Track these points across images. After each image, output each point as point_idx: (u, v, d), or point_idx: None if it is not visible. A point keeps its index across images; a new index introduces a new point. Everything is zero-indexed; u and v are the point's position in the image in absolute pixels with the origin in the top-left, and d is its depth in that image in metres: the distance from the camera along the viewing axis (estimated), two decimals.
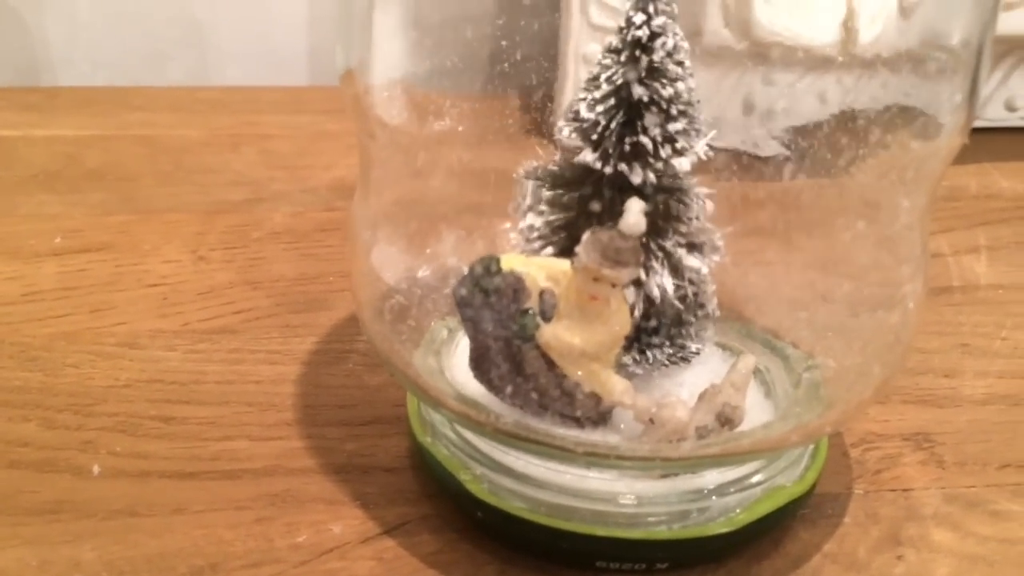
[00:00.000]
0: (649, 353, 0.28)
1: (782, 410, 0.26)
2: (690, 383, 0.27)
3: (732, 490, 0.25)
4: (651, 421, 0.25)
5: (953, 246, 0.43)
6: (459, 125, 0.27)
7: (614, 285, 0.24)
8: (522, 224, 0.27)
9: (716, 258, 0.27)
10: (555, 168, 0.27)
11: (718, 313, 0.28)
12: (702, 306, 0.28)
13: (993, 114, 0.55)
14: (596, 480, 0.25)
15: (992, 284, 0.40)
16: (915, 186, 0.27)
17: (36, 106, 0.56)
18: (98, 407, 0.30)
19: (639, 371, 0.27)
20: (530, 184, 0.27)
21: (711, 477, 0.25)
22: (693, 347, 0.28)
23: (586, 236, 0.23)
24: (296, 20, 0.67)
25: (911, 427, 0.31)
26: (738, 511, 0.25)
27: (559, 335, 0.24)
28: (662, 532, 0.24)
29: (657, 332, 0.27)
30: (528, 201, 0.27)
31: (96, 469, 0.28)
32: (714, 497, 0.25)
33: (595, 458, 0.23)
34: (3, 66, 0.64)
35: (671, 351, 0.28)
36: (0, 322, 0.35)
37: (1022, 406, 0.32)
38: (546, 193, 0.26)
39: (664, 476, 0.25)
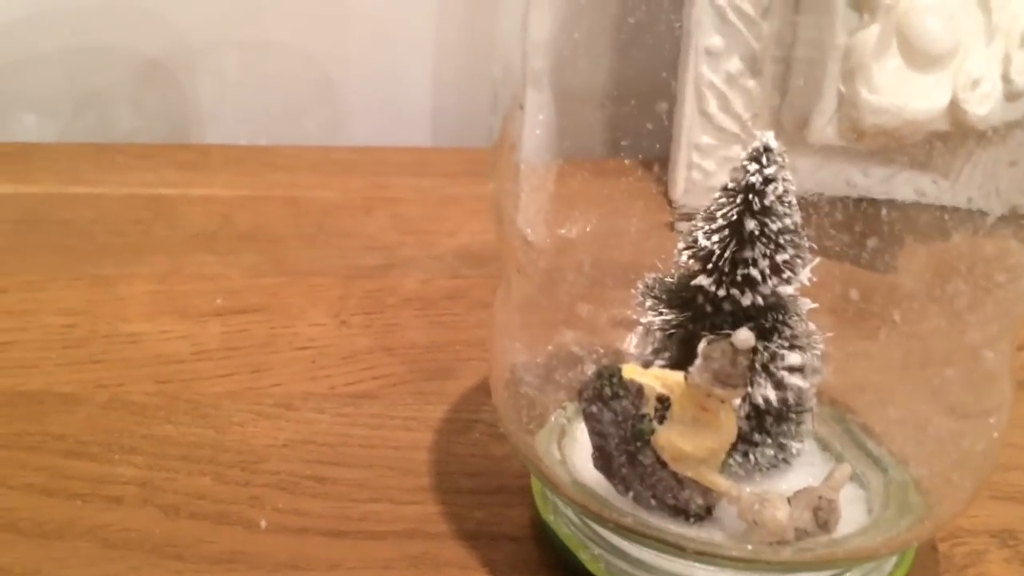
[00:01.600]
0: (751, 455, 0.31)
1: (875, 515, 0.29)
2: (793, 484, 0.30)
3: None
4: (754, 522, 0.28)
5: None
6: (589, 224, 0.31)
7: (723, 401, 0.27)
8: (640, 337, 0.30)
9: (818, 377, 0.30)
10: (671, 285, 0.30)
11: (816, 408, 0.31)
12: (802, 404, 0.31)
13: None
14: (703, 571, 0.28)
15: None
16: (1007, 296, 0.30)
17: (191, 164, 0.62)
18: (262, 464, 0.35)
19: (742, 472, 0.30)
20: (648, 300, 0.30)
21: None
22: (795, 448, 0.31)
23: (699, 358, 0.27)
24: (421, 81, 0.72)
25: (998, 524, 0.33)
26: None
27: (672, 440, 0.28)
28: None
29: (760, 434, 0.31)
30: (646, 317, 0.30)
31: (263, 524, 0.32)
32: None
33: (704, 556, 0.26)
34: (159, 121, 0.71)
35: (772, 452, 0.31)
36: (175, 379, 0.40)
37: None
38: (662, 310, 0.30)
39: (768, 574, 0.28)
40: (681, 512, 0.29)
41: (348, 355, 0.42)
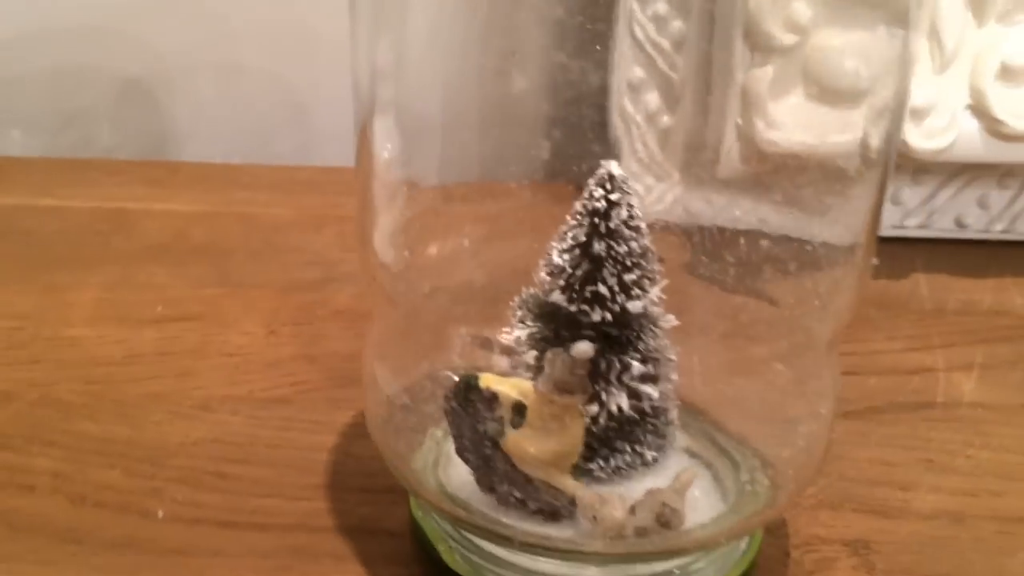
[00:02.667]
0: (611, 460, 0.33)
1: (726, 507, 0.31)
2: (649, 486, 0.32)
3: None
4: (593, 519, 0.30)
5: (949, 362, 0.46)
6: (455, 252, 0.33)
7: (568, 407, 0.29)
8: (512, 356, 0.33)
9: (670, 385, 0.32)
10: (537, 303, 0.32)
11: (677, 422, 0.33)
12: (660, 417, 0.33)
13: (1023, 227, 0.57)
14: (545, 563, 0.30)
15: (974, 402, 0.43)
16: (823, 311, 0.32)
17: (159, 181, 0.65)
18: (170, 460, 0.37)
19: (603, 475, 0.32)
20: (517, 315, 0.32)
21: (642, 569, 0.30)
22: (650, 455, 0.33)
23: (544, 370, 0.29)
24: None
25: (855, 534, 0.35)
26: None
27: (519, 443, 0.30)
28: None
29: (617, 439, 0.33)
30: (515, 334, 0.32)
31: (160, 513, 0.35)
32: None
33: (529, 547, 0.29)
34: (137, 140, 0.74)
35: (630, 459, 0.33)
36: (104, 380, 0.42)
37: (963, 523, 0.36)
38: (528, 324, 0.32)
39: (607, 564, 0.31)
40: (538, 512, 0.31)
41: (271, 362, 0.44)
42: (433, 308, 0.34)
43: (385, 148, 0.31)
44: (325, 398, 0.42)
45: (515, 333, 0.32)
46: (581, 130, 0.37)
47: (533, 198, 0.35)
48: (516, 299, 0.33)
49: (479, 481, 0.31)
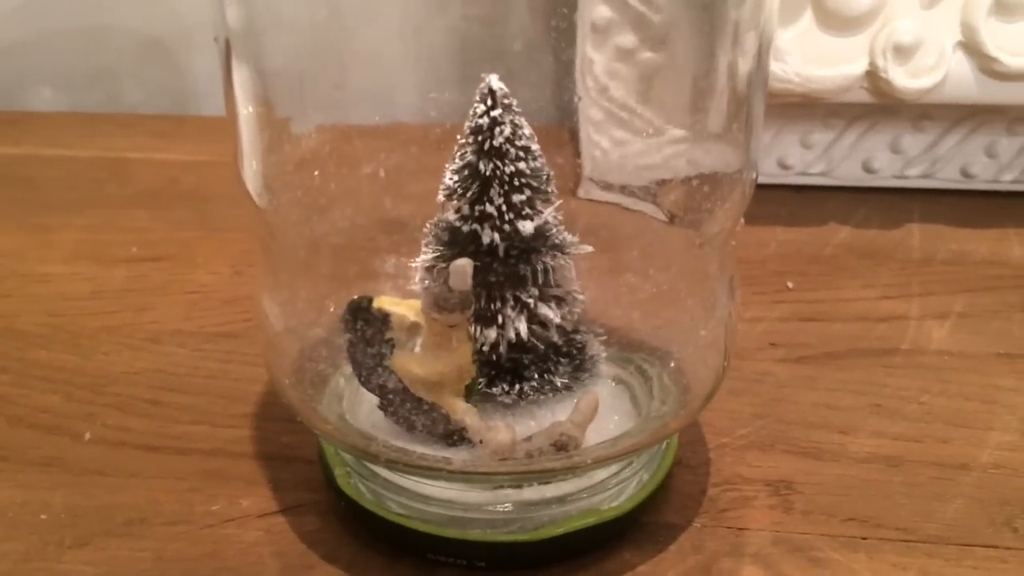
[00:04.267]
0: (518, 385, 0.32)
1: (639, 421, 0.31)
2: (560, 414, 0.32)
3: (551, 506, 0.30)
4: (480, 442, 0.30)
5: (924, 310, 0.44)
6: (331, 192, 0.33)
7: (450, 327, 0.29)
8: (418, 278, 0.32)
9: (577, 309, 0.31)
10: (440, 226, 0.32)
11: (603, 354, 0.33)
12: (579, 348, 0.32)
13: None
14: (433, 487, 0.30)
15: (941, 350, 0.41)
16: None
17: (164, 132, 0.66)
18: (109, 387, 0.38)
19: (507, 400, 0.32)
20: (423, 241, 0.32)
21: (529, 493, 0.30)
22: (559, 382, 0.32)
23: (425, 286, 0.29)
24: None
25: (779, 475, 0.34)
26: (548, 526, 0.29)
27: (405, 363, 0.29)
28: (477, 535, 0.29)
29: (522, 367, 0.32)
30: (421, 257, 0.32)
31: (87, 436, 0.36)
32: (531, 511, 0.29)
33: (397, 465, 0.28)
34: (160, 96, 0.76)
35: (537, 384, 0.32)
36: (67, 314, 0.44)
37: (899, 467, 0.34)
38: (432, 247, 0.32)
39: (494, 488, 0.30)
40: (434, 435, 0.30)
41: (229, 300, 0.45)
42: (325, 244, 0.34)
43: (246, 93, 0.31)
44: None
45: (420, 258, 0.32)
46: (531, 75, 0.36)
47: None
48: (428, 223, 0.33)
49: (383, 411, 0.31)
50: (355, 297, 0.30)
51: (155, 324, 0.43)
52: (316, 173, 0.33)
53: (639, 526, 0.31)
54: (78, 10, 0.75)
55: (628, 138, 0.37)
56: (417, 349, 0.30)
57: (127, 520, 0.32)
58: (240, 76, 0.30)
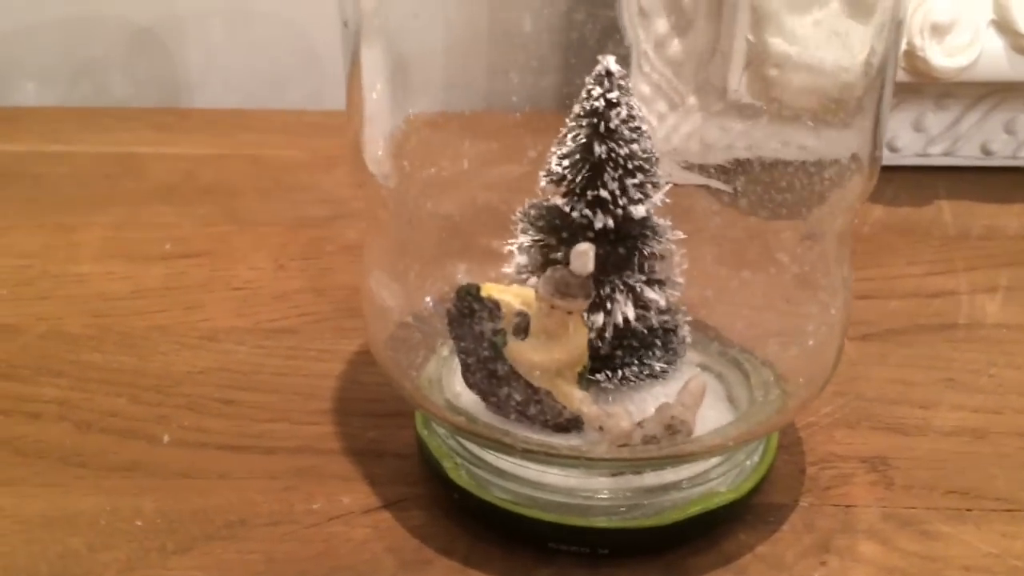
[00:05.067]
0: (619, 371, 0.32)
1: (737, 416, 0.31)
2: (660, 398, 0.32)
3: (672, 491, 0.29)
4: (600, 428, 0.29)
5: (972, 284, 0.45)
6: (452, 173, 0.33)
7: (569, 313, 0.28)
8: (513, 262, 0.32)
9: (676, 292, 0.31)
10: (541, 211, 0.31)
11: (690, 339, 0.33)
12: (671, 331, 0.32)
13: None
14: (553, 475, 0.29)
15: (998, 323, 0.42)
16: (820, 228, 0.31)
17: (169, 126, 0.64)
18: (176, 388, 0.37)
19: (610, 386, 0.32)
20: (520, 225, 0.31)
21: (651, 479, 0.29)
22: (658, 367, 0.32)
23: (545, 273, 0.28)
24: None
25: (872, 451, 0.34)
26: (670, 510, 0.29)
27: (523, 352, 0.29)
28: (601, 522, 0.29)
29: (625, 353, 0.32)
30: (518, 241, 0.32)
31: (166, 438, 0.34)
32: (653, 496, 0.29)
33: (531, 455, 0.28)
34: (150, 88, 0.74)
35: (637, 369, 0.32)
36: (110, 314, 0.42)
37: (986, 439, 0.35)
38: (531, 234, 0.31)
39: (614, 475, 0.30)
40: (545, 423, 0.30)
41: (279, 295, 0.44)
42: (434, 224, 0.34)
43: (374, 79, 0.30)
44: (332, 328, 0.41)
45: (518, 242, 0.32)
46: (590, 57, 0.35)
47: (536, 126, 0.34)
48: (519, 210, 0.32)
49: (485, 399, 0.30)
50: (464, 284, 0.29)
51: (208, 322, 0.42)
52: (430, 153, 0.33)
53: (749, 507, 0.31)
54: (61, 0, 0.73)
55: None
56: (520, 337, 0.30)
57: (226, 522, 0.31)
58: (370, 58, 0.29)
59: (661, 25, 0.45)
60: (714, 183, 0.35)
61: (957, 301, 0.43)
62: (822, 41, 0.45)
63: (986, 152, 0.56)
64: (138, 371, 0.38)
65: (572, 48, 0.34)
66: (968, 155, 0.56)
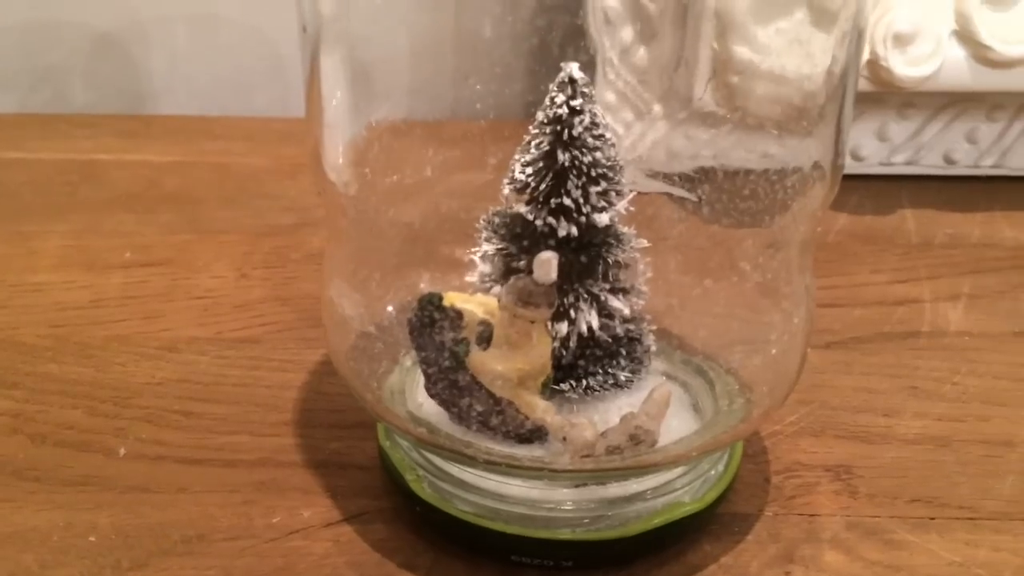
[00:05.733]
0: (584, 381, 0.32)
1: (702, 425, 0.30)
2: (624, 408, 0.31)
3: (636, 502, 0.29)
4: (564, 439, 0.29)
5: (935, 293, 0.45)
6: (415, 181, 0.32)
7: (533, 322, 0.28)
8: (477, 271, 0.31)
9: (641, 300, 0.31)
10: (505, 219, 0.31)
11: (655, 348, 0.32)
12: (635, 340, 0.32)
13: (1014, 163, 0.56)
14: (516, 487, 0.29)
15: (961, 331, 0.42)
16: (783, 236, 0.31)
17: (132, 133, 0.63)
18: (134, 400, 0.36)
19: (574, 396, 0.31)
20: (483, 234, 0.31)
21: (615, 489, 0.29)
22: (622, 376, 0.32)
23: (508, 282, 0.28)
24: None
25: (836, 460, 0.34)
26: (635, 521, 0.29)
27: (485, 361, 0.29)
28: (565, 534, 0.28)
29: (589, 362, 0.32)
30: (481, 250, 0.31)
31: (122, 451, 0.34)
32: (617, 507, 0.29)
33: (494, 466, 0.28)
34: (112, 95, 0.73)
35: (602, 379, 0.32)
36: (69, 324, 0.41)
37: (949, 447, 0.35)
38: (494, 242, 0.31)
39: (578, 486, 0.30)
40: (509, 434, 0.30)
41: (241, 304, 0.43)
42: (396, 232, 0.33)
43: (334, 85, 0.30)
44: (296, 337, 0.41)
45: (481, 250, 0.31)
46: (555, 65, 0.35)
47: (500, 134, 0.34)
48: (482, 218, 0.32)
49: (447, 409, 0.30)
50: (426, 293, 0.29)
51: (168, 332, 0.41)
52: (391, 161, 0.32)
53: (714, 517, 0.31)
54: (19, 4, 0.72)
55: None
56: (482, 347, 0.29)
57: (184, 538, 0.30)
58: (330, 64, 0.29)
59: (627, 33, 0.45)
60: (678, 191, 0.35)
61: (921, 309, 0.44)
62: (785, 49, 0.45)
63: (948, 161, 0.56)
64: (95, 382, 0.37)
65: (536, 55, 0.33)
66: (931, 164, 0.56)
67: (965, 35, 0.48)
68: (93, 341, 0.40)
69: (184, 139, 0.62)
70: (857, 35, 0.29)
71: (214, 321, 0.42)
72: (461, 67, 0.34)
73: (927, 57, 0.48)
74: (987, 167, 0.56)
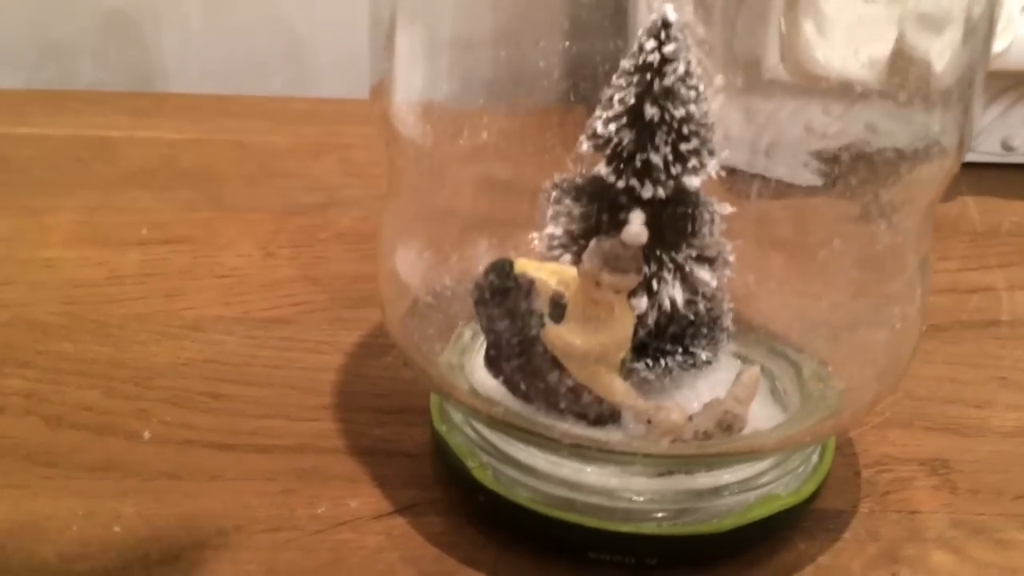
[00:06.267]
0: (661, 360, 0.29)
1: (788, 415, 0.27)
2: (704, 390, 0.28)
3: (725, 494, 0.26)
4: (648, 422, 0.26)
5: (1009, 281, 0.42)
6: (484, 141, 0.29)
7: (617, 292, 0.25)
8: (544, 233, 0.28)
9: (728, 272, 0.28)
10: (578, 180, 0.28)
11: (733, 328, 0.29)
12: (716, 319, 0.29)
13: None
14: (593, 475, 0.26)
15: None
16: (903, 210, 0.28)
17: (144, 110, 0.60)
18: (156, 380, 0.33)
19: (651, 376, 0.28)
20: (553, 195, 0.28)
21: (704, 480, 0.26)
22: (703, 356, 0.29)
23: (591, 244, 0.25)
24: None
25: (929, 453, 0.31)
26: (727, 515, 0.26)
27: (562, 335, 0.26)
28: (651, 528, 0.25)
29: (669, 340, 0.29)
30: (551, 211, 0.28)
31: (147, 435, 0.31)
32: (706, 500, 0.26)
33: (579, 450, 0.25)
34: (122, 73, 0.70)
35: (682, 359, 0.29)
36: (84, 301, 0.38)
37: None
38: (567, 204, 0.28)
39: (661, 475, 0.27)
40: (580, 416, 0.27)
41: (269, 283, 0.40)
42: (461, 193, 0.30)
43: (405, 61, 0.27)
44: (330, 318, 0.38)
45: (549, 215, 0.28)
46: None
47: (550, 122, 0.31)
48: (548, 183, 0.29)
49: (512, 388, 0.27)
50: (496, 260, 0.26)
51: (191, 310, 0.38)
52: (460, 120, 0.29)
53: (806, 514, 0.28)
54: None
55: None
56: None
57: (219, 529, 0.27)
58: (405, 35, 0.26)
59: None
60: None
61: (996, 297, 0.41)
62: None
63: (1007, 148, 0.53)
64: (114, 362, 0.34)
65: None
66: (988, 151, 0.54)
67: None
68: (110, 319, 0.37)
69: (200, 117, 0.59)
70: None
71: (240, 300, 0.39)
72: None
73: (997, 34, 0.45)
74: None
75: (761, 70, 0.38)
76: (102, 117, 0.59)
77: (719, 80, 0.39)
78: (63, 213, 0.46)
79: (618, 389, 0.26)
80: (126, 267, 0.41)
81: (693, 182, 0.26)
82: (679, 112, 0.25)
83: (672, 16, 0.25)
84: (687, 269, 0.27)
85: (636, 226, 0.24)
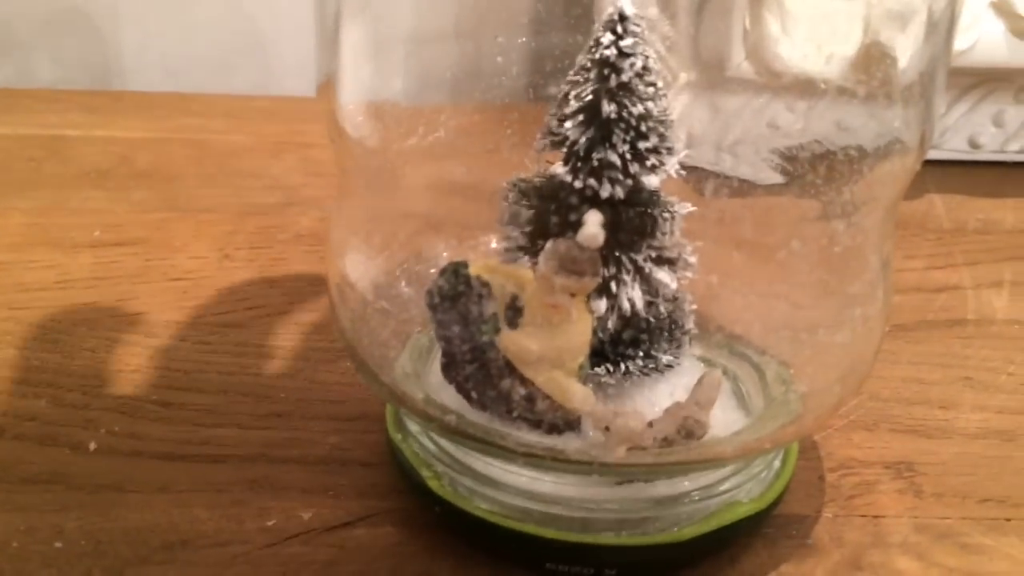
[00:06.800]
0: (621, 364, 0.28)
1: (751, 420, 0.27)
2: (665, 395, 0.28)
3: (686, 502, 0.26)
4: (607, 429, 0.25)
5: (976, 279, 0.42)
6: (439, 139, 0.28)
7: (574, 294, 0.24)
8: (502, 235, 0.28)
9: (688, 274, 0.27)
10: (535, 180, 0.27)
11: (695, 330, 0.29)
12: (677, 321, 0.29)
13: None
14: (550, 484, 0.25)
15: (1009, 319, 0.39)
16: (865, 209, 0.27)
17: (100, 108, 0.59)
18: (105, 389, 0.32)
19: (611, 381, 0.28)
20: (510, 195, 0.27)
21: (664, 487, 0.25)
22: (665, 360, 0.28)
23: (547, 246, 0.24)
24: None
25: (895, 456, 0.31)
26: (687, 523, 0.25)
27: (518, 340, 0.25)
28: (609, 538, 0.25)
29: (629, 344, 0.28)
30: (508, 212, 0.28)
31: (93, 446, 0.30)
32: (666, 507, 0.25)
33: (533, 459, 0.24)
34: (77, 70, 0.68)
35: (642, 363, 0.28)
36: (32, 306, 0.37)
37: (1016, 442, 0.32)
38: (524, 205, 0.27)
39: (620, 483, 0.26)
40: (535, 424, 0.26)
41: (224, 286, 0.39)
42: (413, 194, 0.29)
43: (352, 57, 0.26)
44: (285, 322, 0.37)
45: (506, 216, 0.27)
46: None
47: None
48: (506, 182, 0.28)
49: (465, 395, 0.26)
50: (451, 261, 0.25)
51: (143, 315, 0.37)
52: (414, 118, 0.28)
53: (769, 519, 0.27)
54: None
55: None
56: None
57: (164, 543, 0.26)
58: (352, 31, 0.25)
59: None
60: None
61: (962, 296, 0.41)
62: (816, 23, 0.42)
63: (974, 145, 0.53)
64: (61, 369, 0.33)
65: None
66: (955, 148, 0.53)
67: (1003, 7, 0.45)
68: (58, 325, 0.36)
69: (158, 115, 0.58)
70: None
71: (194, 304, 0.38)
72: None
73: (964, 30, 0.45)
74: (1013, 152, 0.53)
75: (726, 67, 0.38)
76: (58, 116, 0.57)
77: (684, 77, 0.39)
78: (13, 215, 0.44)
79: (576, 395, 0.25)
80: (77, 270, 0.40)
81: (652, 181, 0.25)
82: (637, 109, 0.25)
83: (630, 10, 0.24)
84: (646, 271, 0.27)
85: (592, 227, 0.24)
